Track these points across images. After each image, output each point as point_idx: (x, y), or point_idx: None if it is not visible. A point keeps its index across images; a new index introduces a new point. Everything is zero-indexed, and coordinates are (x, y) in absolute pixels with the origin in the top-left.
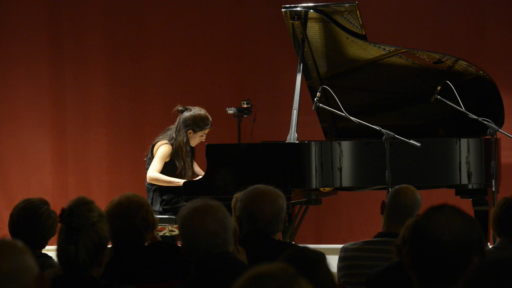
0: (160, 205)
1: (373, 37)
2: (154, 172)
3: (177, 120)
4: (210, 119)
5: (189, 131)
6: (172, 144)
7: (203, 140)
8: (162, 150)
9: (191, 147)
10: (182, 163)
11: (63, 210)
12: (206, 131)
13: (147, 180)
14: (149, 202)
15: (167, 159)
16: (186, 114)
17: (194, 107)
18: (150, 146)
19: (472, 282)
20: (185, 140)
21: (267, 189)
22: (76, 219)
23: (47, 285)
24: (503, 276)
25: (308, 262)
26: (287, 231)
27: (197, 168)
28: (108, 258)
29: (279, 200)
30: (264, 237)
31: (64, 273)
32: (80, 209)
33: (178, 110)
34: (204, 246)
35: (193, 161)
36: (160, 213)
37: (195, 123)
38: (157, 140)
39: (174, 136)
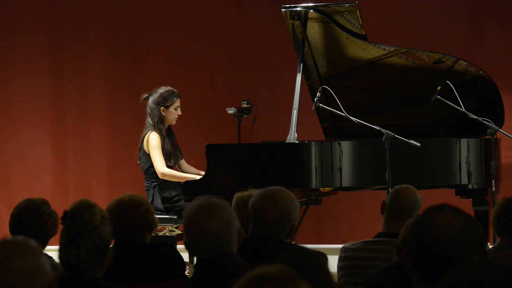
0: (161, 202)
1: (373, 37)
2: (164, 167)
3: (147, 107)
4: (176, 91)
5: (162, 109)
6: (155, 129)
7: (180, 114)
8: (154, 142)
9: (167, 127)
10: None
11: (65, 213)
12: (178, 103)
13: (160, 177)
14: (150, 199)
15: None
16: (153, 96)
17: (158, 88)
18: (140, 141)
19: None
20: (156, 120)
21: (279, 192)
22: (78, 223)
23: None
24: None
25: (305, 263)
26: None
27: (192, 169)
28: (111, 259)
29: (289, 205)
30: (267, 238)
31: (66, 274)
32: (82, 212)
33: (144, 98)
34: (208, 246)
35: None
36: (161, 212)
37: (164, 99)
38: (143, 134)
39: (151, 120)
